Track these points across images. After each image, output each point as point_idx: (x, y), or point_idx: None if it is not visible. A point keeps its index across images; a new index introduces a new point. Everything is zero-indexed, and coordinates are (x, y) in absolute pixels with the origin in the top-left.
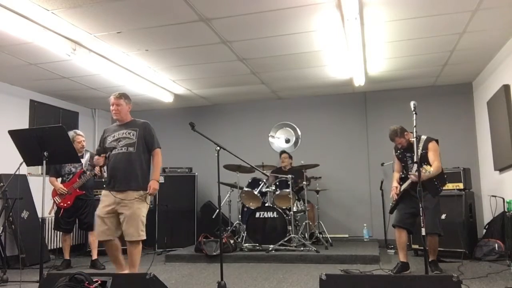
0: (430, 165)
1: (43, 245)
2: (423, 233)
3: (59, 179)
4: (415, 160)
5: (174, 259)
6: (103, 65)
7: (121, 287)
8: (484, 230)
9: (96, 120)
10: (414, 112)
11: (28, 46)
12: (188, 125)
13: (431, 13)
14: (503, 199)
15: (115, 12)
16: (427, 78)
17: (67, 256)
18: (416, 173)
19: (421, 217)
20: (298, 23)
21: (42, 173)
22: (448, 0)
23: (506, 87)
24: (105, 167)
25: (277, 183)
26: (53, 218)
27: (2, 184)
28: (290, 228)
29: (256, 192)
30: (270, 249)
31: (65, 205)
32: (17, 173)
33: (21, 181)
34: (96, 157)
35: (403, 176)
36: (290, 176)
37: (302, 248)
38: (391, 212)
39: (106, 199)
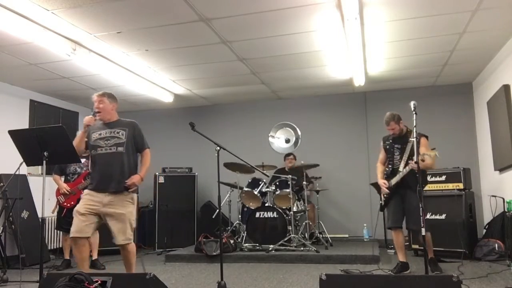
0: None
1: (43, 245)
2: (423, 233)
3: (63, 178)
4: (415, 160)
5: (174, 259)
6: (103, 65)
7: (121, 287)
8: (484, 230)
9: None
10: (414, 112)
11: (28, 46)
12: (188, 125)
13: (431, 13)
14: (503, 199)
15: (115, 12)
16: (427, 78)
17: (67, 256)
18: (416, 162)
19: (421, 217)
20: (298, 23)
21: (42, 173)
22: (448, 0)
23: (506, 87)
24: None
25: (277, 183)
26: (54, 217)
27: (2, 184)
28: (290, 228)
29: (256, 192)
30: (270, 249)
31: (69, 205)
32: (17, 173)
33: (21, 181)
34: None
35: (388, 169)
36: (290, 176)
37: (302, 248)
38: (381, 210)
39: (90, 198)
